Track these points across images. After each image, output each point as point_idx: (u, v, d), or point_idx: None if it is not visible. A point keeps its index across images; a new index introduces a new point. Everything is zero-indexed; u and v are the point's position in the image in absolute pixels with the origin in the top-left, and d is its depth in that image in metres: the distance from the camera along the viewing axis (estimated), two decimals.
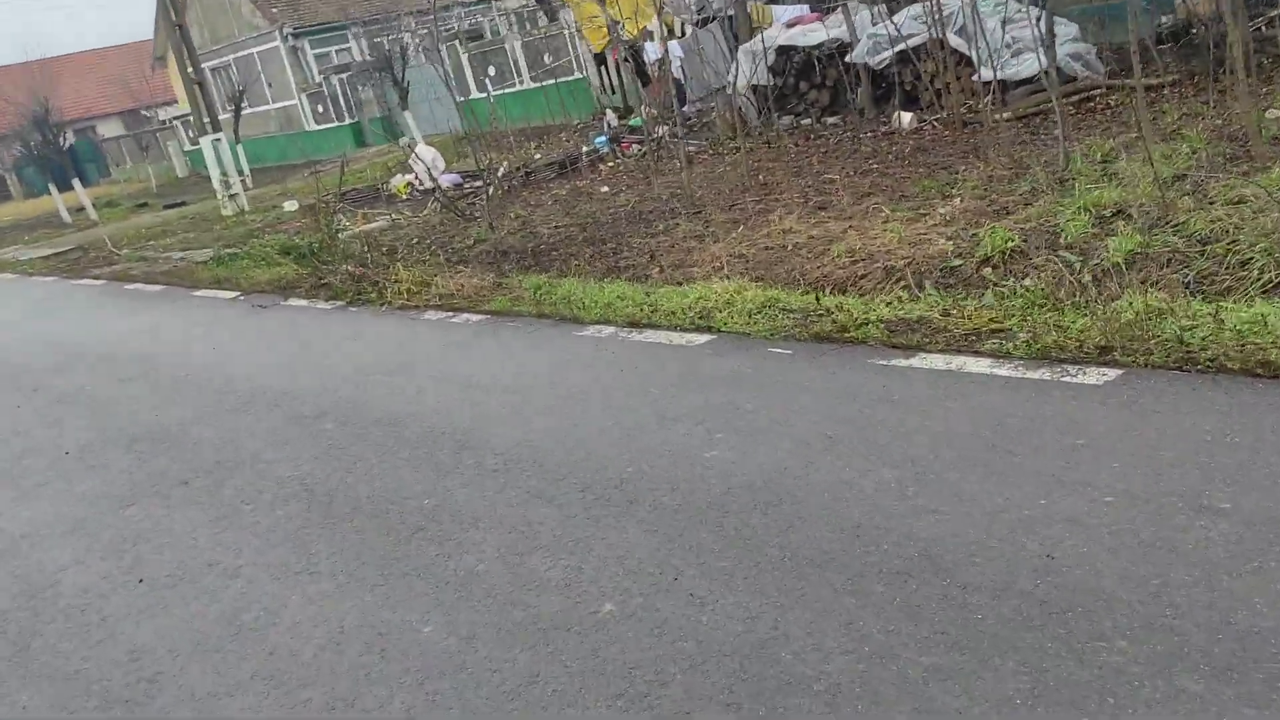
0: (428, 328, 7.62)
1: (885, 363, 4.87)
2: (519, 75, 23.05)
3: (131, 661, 3.72)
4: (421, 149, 15.48)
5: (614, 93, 20.73)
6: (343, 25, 29.66)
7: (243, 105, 26.84)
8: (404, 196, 16.08)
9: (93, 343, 9.45)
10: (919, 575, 3.08)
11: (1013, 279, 6.09)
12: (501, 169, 14.74)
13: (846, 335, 5.33)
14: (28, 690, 3.69)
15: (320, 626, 3.64)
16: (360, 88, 27.55)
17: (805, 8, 15.58)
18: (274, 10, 28.63)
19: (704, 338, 5.90)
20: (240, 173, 20.31)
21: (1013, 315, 5.11)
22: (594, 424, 4.93)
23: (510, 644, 3.26)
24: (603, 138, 16.68)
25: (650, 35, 16.91)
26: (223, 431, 6.07)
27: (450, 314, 7.81)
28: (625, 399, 5.19)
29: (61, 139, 26.28)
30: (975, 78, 12.76)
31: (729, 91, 15.69)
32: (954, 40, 12.38)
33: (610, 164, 15.32)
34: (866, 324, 5.43)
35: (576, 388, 5.56)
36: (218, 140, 20.16)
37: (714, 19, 16.52)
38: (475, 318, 7.57)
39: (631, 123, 17.48)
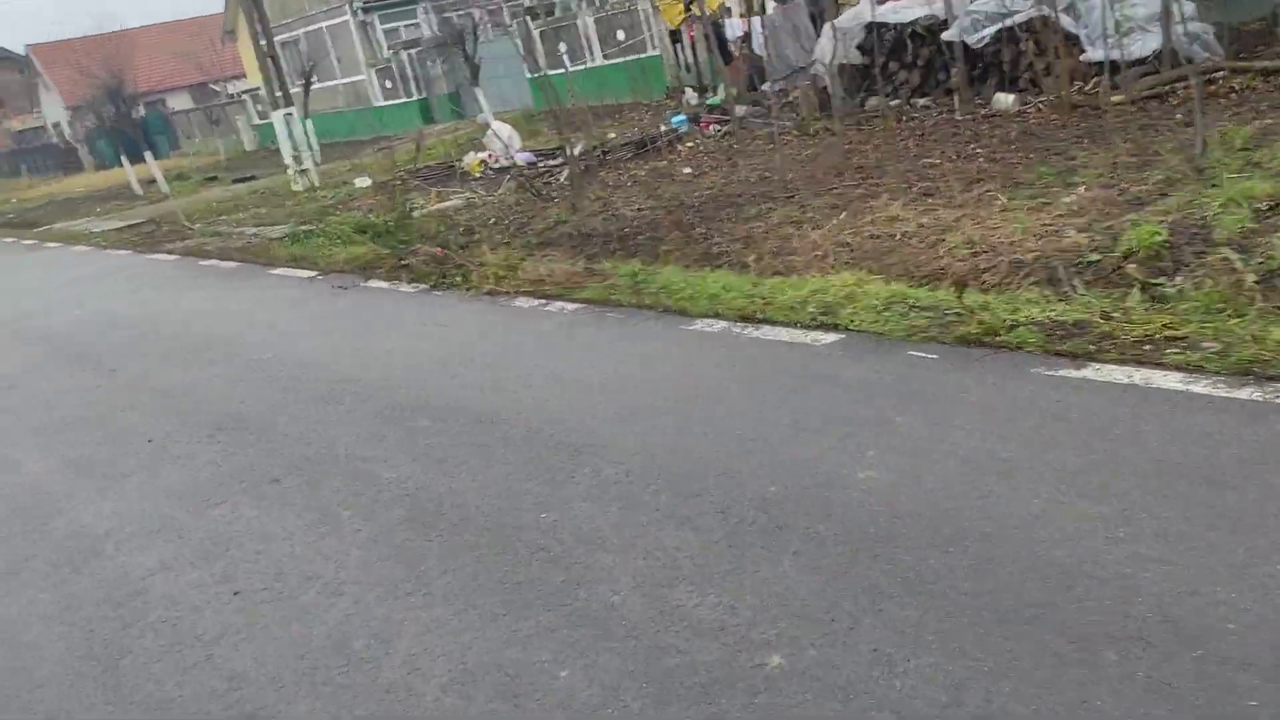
0: (520, 316, 7.19)
1: (1051, 373, 4.34)
2: (590, 52, 22.54)
3: (231, 691, 3.34)
4: (498, 125, 15.07)
5: (689, 71, 20.15)
6: (412, 0, 29.33)
7: (312, 80, 26.61)
8: (477, 174, 15.70)
9: (170, 321, 9.18)
10: (1160, 643, 2.58)
11: (1165, 278, 5.52)
12: (578, 148, 14.26)
13: (997, 339, 4.80)
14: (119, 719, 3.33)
15: (441, 661, 3.23)
16: (429, 63, 27.23)
17: None
18: None
19: (830, 336, 5.40)
20: (309, 148, 20.07)
21: (1188, 321, 4.55)
22: (720, 432, 4.47)
23: (664, 699, 2.82)
24: (681, 117, 16.16)
25: (729, 11, 16.31)
26: (310, 424, 5.70)
27: (542, 301, 7.38)
28: (751, 405, 4.72)
29: (134, 111, 26.25)
30: (1082, 58, 12.04)
31: (813, 71, 15.07)
32: (1062, 18, 11.66)
33: (690, 144, 14.80)
34: (1016, 326, 4.89)
35: (693, 389, 5.10)
36: (289, 115, 19.93)
37: None
38: (570, 306, 7.13)
39: (710, 101, 16.92)
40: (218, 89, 45.58)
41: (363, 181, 17.39)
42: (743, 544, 3.52)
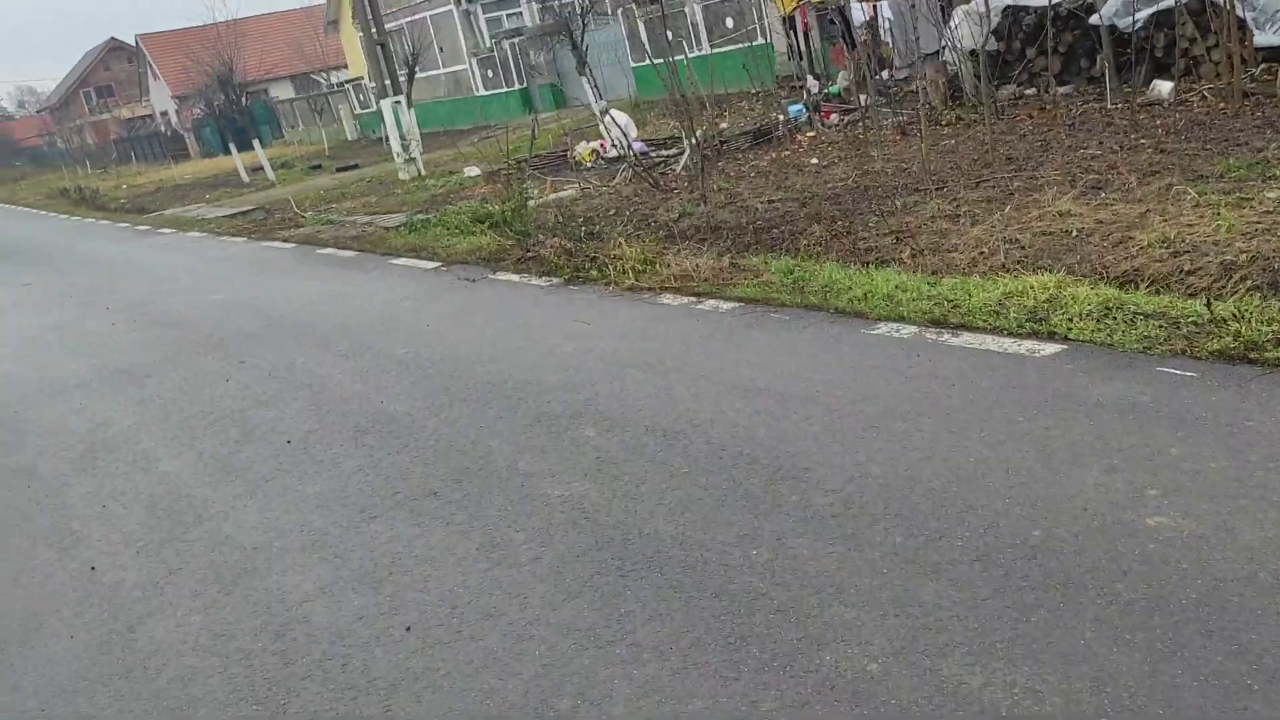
0: (671, 315, 6.64)
1: None
2: (697, 40, 21.91)
3: None
4: (616, 113, 14.56)
5: (802, 59, 19.41)
6: None
7: (416, 69, 26.46)
8: (588, 164, 15.23)
9: (296, 311, 8.85)
10: None
11: None
12: (695, 137, 13.67)
13: (1266, 356, 4.10)
14: None
15: None
16: (531, 53, 26.88)
17: None
18: None
19: (1049, 347, 4.73)
20: (415, 137, 19.82)
21: None
22: (948, 458, 3.86)
23: None
24: (798, 106, 15.46)
25: None
26: (463, 429, 5.23)
27: (693, 299, 6.83)
28: (980, 426, 4.09)
29: (243, 99, 26.44)
30: (1251, 43, 11.09)
31: (943, 58, 14.26)
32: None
33: (810, 134, 14.13)
34: None
35: (898, 404, 4.49)
36: (398, 103, 19.71)
37: None
38: (725, 305, 6.56)
39: (830, 90, 16.19)
40: (319, 79, 46.04)
41: (472, 170, 17.05)
42: (1020, 604, 2.91)
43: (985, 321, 5.16)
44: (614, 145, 13.67)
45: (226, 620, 3.79)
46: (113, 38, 69.61)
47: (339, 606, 3.73)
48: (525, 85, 27.71)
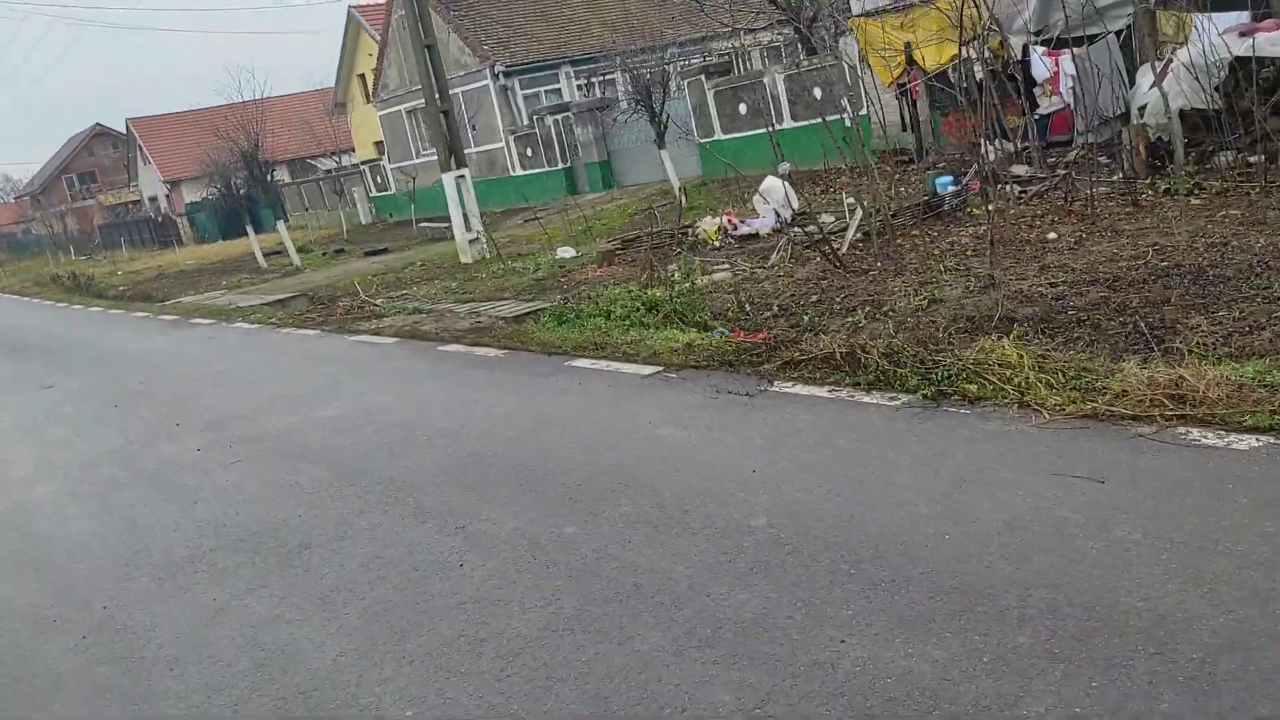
0: (1219, 474, 4.08)
1: None
2: (778, 113, 19.85)
3: None
4: (771, 183, 12.21)
5: (914, 129, 17.36)
6: (555, 63, 27.06)
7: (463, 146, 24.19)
8: (715, 243, 12.86)
9: (485, 438, 6.22)
10: None
11: None
12: (857, 210, 11.36)
13: None
14: None
15: None
16: (578, 129, 24.75)
17: (1246, 15, 11.96)
18: (485, 47, 26.13)
19: None
20: (472, 216, 17.40)
21: None
22: None
23: None
24: (946, 178, 13.27)
25: (1034, 46, 13.46)
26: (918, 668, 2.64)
27: (1218, 436, 4.30)
28: None
29: (270, 176, 24.04)
30: None
31: (1143, 119, 12.13)
32: None
33: (989, 206, 11.86)
34: None
35: None
36: (461, 178, 17.36)
37: (1100, 36, 12.99)
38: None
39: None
40: (329, 162, 43.83)
41: (566, 251, 14.61)
42: None
43: None
44: (778, 215, 11.28)
45: None
46: (98, 124, 67.35)
47: None
48: (569, 164, 25.51)
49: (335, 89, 40.00)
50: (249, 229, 25.71)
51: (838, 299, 8.78)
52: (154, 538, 5.50)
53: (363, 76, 38.22)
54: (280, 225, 23.99)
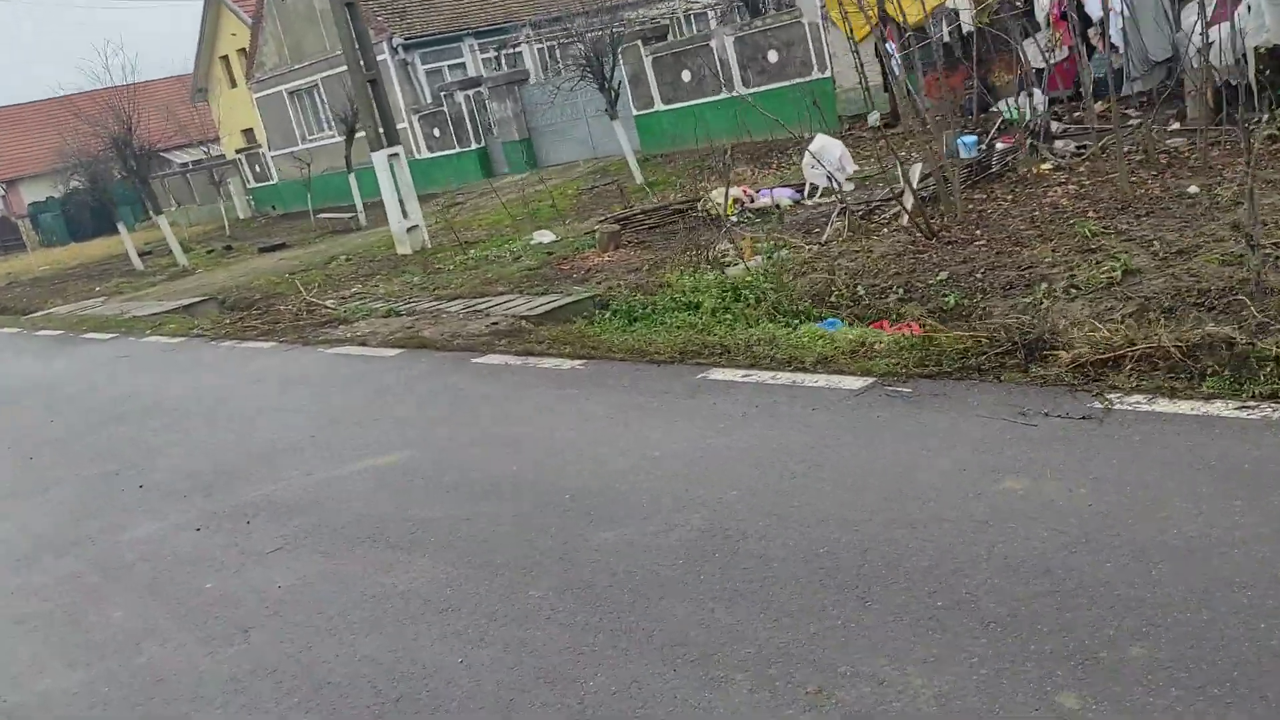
0: None
1: None
2: (728, 79, 18.06)
3: None
4: (826, 142, 10.34)
5: (891, 90, 15.83)
6: (458, 35, 24.51)
7: (356, 128, 21.44)
8: (732, 217, 10.96)
9: (647, 493, 4.19)
10: None
11: None
12: (915, 171, 9.65)
13: None
14: None
15: None
16: (493, 105, 22.37)
17: None
18: (380, 19, 23.34)
19: None
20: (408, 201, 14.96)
21: None
22: None
23: None
24: (970, 138, 11.73)
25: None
26: None
27: None
28: None
29: (150, 165, 20.71)
30: None
31: (1192, 61, 10.80)
32: None
33: (1045, 165, 10.37)
34: None
35: None
36: (394, 156, 14.88)
37: None
38: None
39: (1007, 117, 12.55)
40: (175, 155, 39.67)
41: (545, 235, 12.43)
42: None
43: None
44: (831, 180, 9.42)
45: None
46: None
47: None
48: (483, 144, 23.06)
49: (194, 73, 36.04)
50: (120, 226, 22.29)
51: (966, 275, 7.03)
52: None
53: (225, 58, 34.52)
54: (161, 220, 20.83)
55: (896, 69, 11.72)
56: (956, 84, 14.60)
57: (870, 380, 4.96)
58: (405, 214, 14.93)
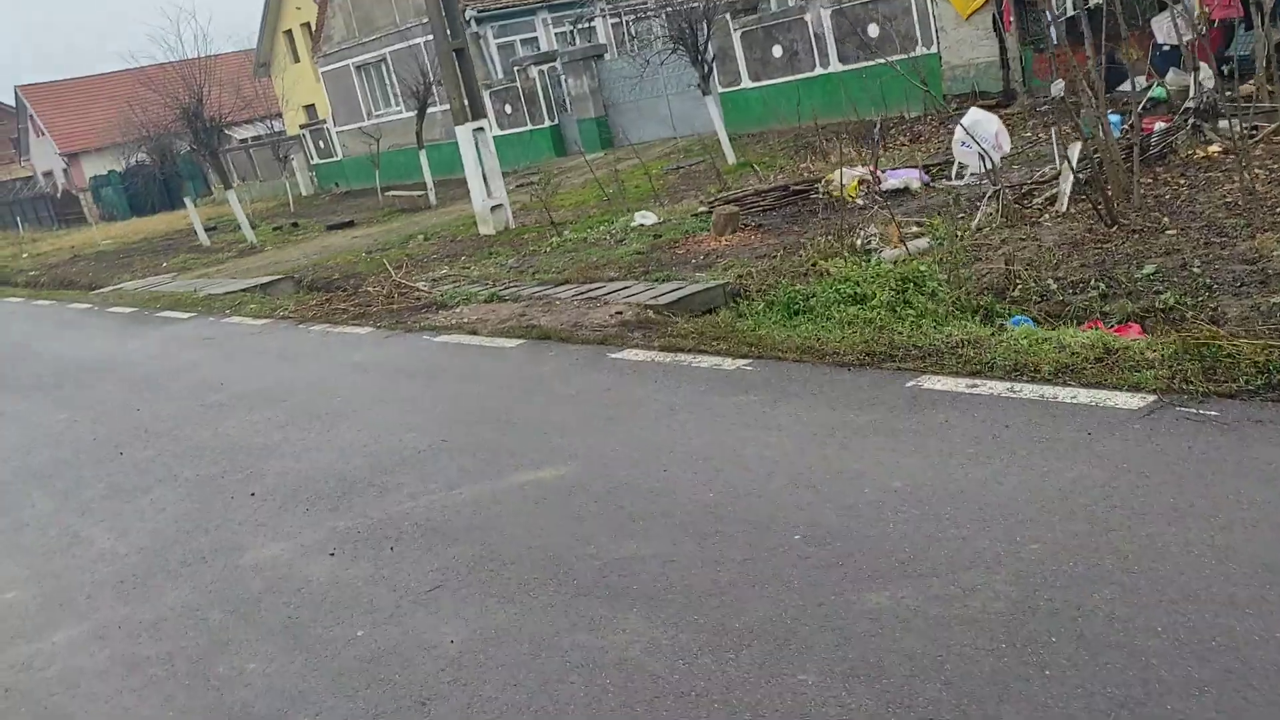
0: None
1: None
2: (824, 54, 17.04)
3: None
4: (980, 117, 9.36)
5: (1003, 68, 14.76)
6: (531, 8, 23.66)
7: (429, 103, 20.70)
8: (858, 200, 10.03)
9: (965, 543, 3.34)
10: None
11: None
12: (1074, 152, 8.65)
13: None
14: None
15: None
16: (567, 81, 21.51)
17: None
18: None
19: None
20: (496, 178, 14.15)
21: None
22: None
23: None
24: (1115, 117, 10.68)
25: None
26: None
27: None
28: None
29: (217, 139, 20.09)
30: None
31: None
32: None
33: (1212, 149, 9.34)
34: None
35: None
36: (479, 130, 14.09)
37: None
38: None
39: (1153, 94, 11.50)
40: (235, 131, 39.24)
41: (646, 217, 11.56)
42: None
43: None
44: (984, 160, 8.45)
45: None
46: None
47: None
48: (556, 122, 22.22)
49: (258, 48, 35.55)
50: (186, 200, 21.79)
51: (1177, 269, 6.08)
52: None
53: (289, 33, 34.00)
54: (231, 195, 20.22)
55: (1054, 36, 10.67)
56: (1081, 61, 13.51)
57: (1149, 398, 4.04)
58: (489, 192, 14.14)
